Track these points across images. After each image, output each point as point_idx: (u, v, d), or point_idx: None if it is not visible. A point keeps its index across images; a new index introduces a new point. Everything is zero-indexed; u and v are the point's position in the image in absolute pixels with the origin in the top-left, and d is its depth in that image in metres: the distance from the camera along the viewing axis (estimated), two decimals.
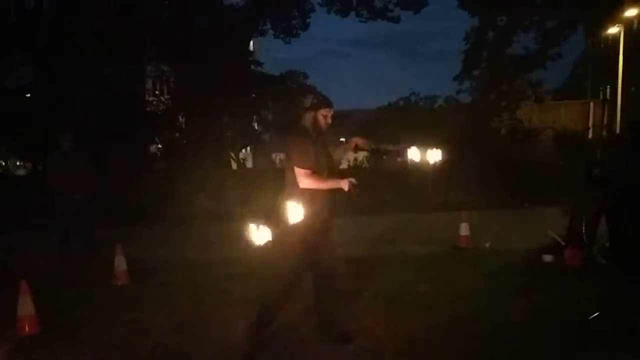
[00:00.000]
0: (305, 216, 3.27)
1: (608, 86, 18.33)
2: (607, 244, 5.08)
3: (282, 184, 3.42)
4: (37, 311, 3.96)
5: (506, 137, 15.98)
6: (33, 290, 4.01)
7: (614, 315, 3.71)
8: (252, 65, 17.07)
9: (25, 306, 3.92)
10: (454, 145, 12.91)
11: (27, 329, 3.90)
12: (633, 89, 17.18)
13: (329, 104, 3.36)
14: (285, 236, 3.32)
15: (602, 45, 19.04)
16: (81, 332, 3.93)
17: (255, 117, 19.40)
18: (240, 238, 3.29)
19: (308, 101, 3.34)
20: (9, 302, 4.03)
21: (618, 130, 14.38)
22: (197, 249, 6.96)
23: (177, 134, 15.57)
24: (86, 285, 5.24)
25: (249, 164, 18.83)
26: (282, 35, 16.62)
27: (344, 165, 15.57)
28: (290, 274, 3.33)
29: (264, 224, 3.09)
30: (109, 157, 10.95)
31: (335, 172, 3.50)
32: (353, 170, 14.44)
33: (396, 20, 16.31)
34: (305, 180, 3.22)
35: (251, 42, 18.34)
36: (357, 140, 3.49)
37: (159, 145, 16.30)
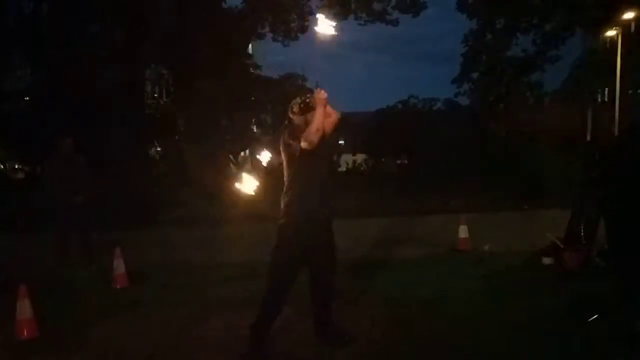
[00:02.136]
0: (298, 212, 3.25)
1: (606, 88, 18.38)
2: (606, 246, 5.08)
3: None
4: (35, 315, 3.95)
5: (505, 139, 15.99)
6: (31, 293, 4.00)
7: (613, 317, 3.71)
8: (251, 68, 17.09)
9: (24, 310, 3.91)
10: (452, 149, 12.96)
11: (25, 332, 3.89)
12: (630, 91, 17.24)
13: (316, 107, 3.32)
14: (280, 234, 3.31)
15: (600, 48, 19.11)
16: (80, 335, 3.92)
17: (254, 119, 19.44)
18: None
19: (296, 106, 3.33)
20: (7, 305, 4.03)
21: (616, 133, 14.40)
22: (196, 251, 6.95)
23: (176, 137, 15.59)
24: (85, 289, 5.23)
25: (248, 167, 18.82)
26: (281, 38, 16.64)
27: (341, 169, 15.57)
28: (284, 274, 3.30)
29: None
30: (108, 160, 10.96)
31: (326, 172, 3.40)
32: (351, 173, 14.46)
33: (395, 23, 16.34)
34: (304, 143, 3.10)
35: (250, 45, 18.36)
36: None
37: (158, 148, 16.31)
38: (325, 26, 3.52)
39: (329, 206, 3.36)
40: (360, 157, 16.94)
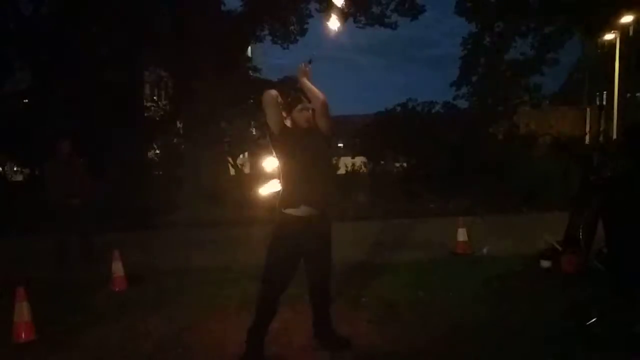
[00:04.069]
0: (279, 209, 3.22)
1: (604, 92, 18.45)
2: (604, 250, 5.08)
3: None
4: (33, 318, 3.95)
5: (503, 142, 16.00)
6: (30, 296, 3.99)
7: (611, 320, 3.72)
8: (249, 71, 17.10)
9: (22, 313, 3.90)
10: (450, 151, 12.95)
11: (23, 335, 3.88)
12: (629, 94, 17.30)
13: (300, 100, 3.27)
14: (272, 233, 3.31)
15: (599, 51, 19.16)
16: (78, 338, 3.92)
17: (253, 122, 19.43)
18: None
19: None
20: (5, 308, 4.02)
21: (615, 136, 14.45)
22: (195, 254, 6.94)
23: (175, 140, 15.58)
24: (83, 291, 5.22)
25: (247, 170, 18.81)
26: (280, 41, 16.65)
27: (341, 171, 15.57)
28: (275, 275, 3.25)
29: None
30: (107, 162, 10.95)
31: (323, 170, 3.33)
32: (350, 176, 14.45)
33: (394, 26, 16.35)
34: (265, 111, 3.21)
35: (249, 48, 18.37)
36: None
37: (157, 151, 16.31)
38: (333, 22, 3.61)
39: (321, 205, 3.26)
40: (359, 160, 16.90)
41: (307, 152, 3.19)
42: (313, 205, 3.20)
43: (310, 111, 3.26)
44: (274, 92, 3.21)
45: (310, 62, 3.31)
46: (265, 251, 3.30)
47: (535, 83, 18.83)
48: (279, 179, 3.32)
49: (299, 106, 3.24)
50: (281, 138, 3.22)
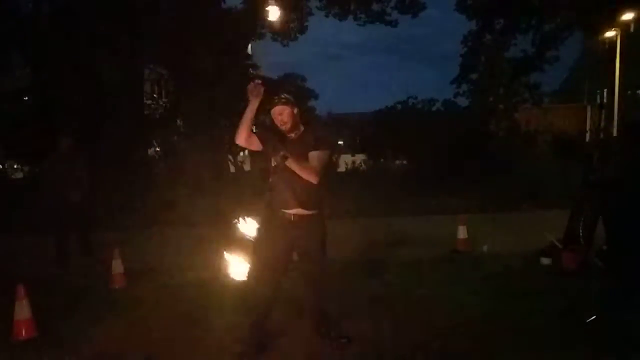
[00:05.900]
0: (269, 208, 3.28)
1: (605, 89, 18.42)
2: (605, 247, 5.08)
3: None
4: (33, 315, 3.95)
5: (504, 140, 16.00)
6: (30, 293, 3.99)
7: (612, 318, 3.72)
8: (250, 69, 17.08)
9: (22, 310, 3.90)
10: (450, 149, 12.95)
11: (23, 333, 3.88)
12: (629, 92, 17.28)
13: (277, 102, 3.33)
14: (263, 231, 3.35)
15: (600, 49, 19.13)
16: (78, 336, 3.92)
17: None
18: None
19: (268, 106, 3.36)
20: (5, 306, 4.02)
21: (615, 134, 14.45)
22: (195, 252, 6.94)
23: (175, 137, 15.59)
24: (83, 289, 5.22)
25: (247, 167, 18.82)
26: (280, 39, 16.63)
27: (341, 169, 15.54)
28: (258, 274, 3.30)
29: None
30: (107, 160, 10.96)
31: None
32: (350, 174, 14.44)
33: (394, 24, 16.34)
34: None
35: (249, 46, 18.35)
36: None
37: (157, 148, 16.31)
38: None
39: (310, 206, 3.26)
40: (359, 158, 16.92)
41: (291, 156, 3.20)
42: (301, 205, 3.24)
43: (286, 112, 3.30)
44: (240, 137, 3.38)
45: (259, 82, 3.32)
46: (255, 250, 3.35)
47: (535, 81, 18.81)
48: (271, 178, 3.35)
49: (278, 108, 3.33)
50: (265, 150, 3.36)
